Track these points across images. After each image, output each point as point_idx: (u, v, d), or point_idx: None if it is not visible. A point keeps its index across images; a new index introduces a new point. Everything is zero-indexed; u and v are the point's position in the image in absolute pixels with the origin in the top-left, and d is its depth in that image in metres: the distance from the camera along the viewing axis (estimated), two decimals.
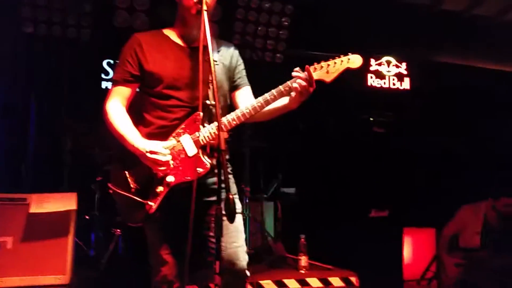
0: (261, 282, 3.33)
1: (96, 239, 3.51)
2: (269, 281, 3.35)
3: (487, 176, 4.38)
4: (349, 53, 2.07)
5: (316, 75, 2.01)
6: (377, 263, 4.03)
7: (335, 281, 3.53)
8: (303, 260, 3.64)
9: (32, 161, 4.04)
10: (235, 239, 2.03)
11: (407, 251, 4.80)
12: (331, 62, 2.05)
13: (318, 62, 2.04)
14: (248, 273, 2.07)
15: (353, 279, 3.57)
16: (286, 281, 3.40)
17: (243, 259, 2.03)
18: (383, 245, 4.13)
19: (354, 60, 2.06)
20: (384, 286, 4.09)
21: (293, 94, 2.00)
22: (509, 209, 4.23)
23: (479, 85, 5.94)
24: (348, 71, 2.07)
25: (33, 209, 2.93)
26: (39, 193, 3.03)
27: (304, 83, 1.96)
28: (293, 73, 2.00)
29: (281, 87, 2.02)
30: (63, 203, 3.01)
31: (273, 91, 2.02)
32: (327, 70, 2.03)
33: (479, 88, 5.91)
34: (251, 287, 3.26)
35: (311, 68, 2.02)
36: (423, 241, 5.10)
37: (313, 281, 3.48)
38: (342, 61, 2.04)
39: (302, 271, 3.60)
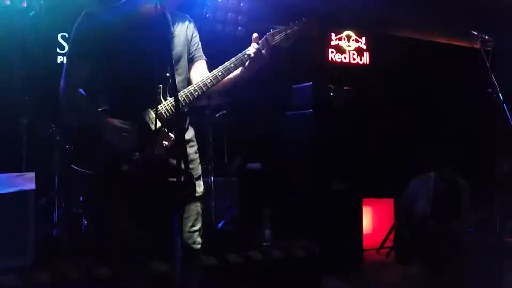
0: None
1: (58, 218, 3.44)
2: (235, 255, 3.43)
3: (436, 149, 4.60)
4: (303, 18, 2.13)
5: (274, 42, 2.07)
6: (338, 233, 4.19)
7: (298, 251, 3.66)
8: (267, 233, 3.74)
9: None
10: (194, 223, 2.09)
11: (366, 221, 5.00)
12: (288, 28, 2.10)
13: (275, 27, 2.09)
14: (203, 258, 2.18)
15: (315, 248, 3.70)
16: (250, 253, 3.49)
17: (198, 243, 2.11)
18: (343, 216, 4.28)
19: (310, 25, 2.13)
20: (345, 255, 4.27)
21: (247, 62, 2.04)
22: (451, 176, 4.48)
23: (432, 60, 6.15)
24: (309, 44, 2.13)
25: None
26: None
27: (260, 49, 2.01)
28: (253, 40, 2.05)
29: (240, 55, 2.05)
30: (21, 183, 2.93)
31: (233, 59, 2.05)
32: (286, 35, 2.09)
33: (434, 62, 6.12)
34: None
35: (269, 35, 2.07)
36: (381, 211, 5.34)
37: (276, 252, 3.59)
38: (298, 26, 2.11)
39: (267, 243, 3.70)
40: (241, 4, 5.28)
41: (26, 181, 2.93)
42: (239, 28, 5.45)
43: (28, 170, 3.24)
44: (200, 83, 2.02)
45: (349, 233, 4.35)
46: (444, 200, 4.43)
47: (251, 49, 2.02)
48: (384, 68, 5.90)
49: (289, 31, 2.09)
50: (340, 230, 4.23)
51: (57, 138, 3.54)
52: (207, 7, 4.95)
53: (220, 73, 2.03)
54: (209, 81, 2.02)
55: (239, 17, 5.36)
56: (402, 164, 5.50)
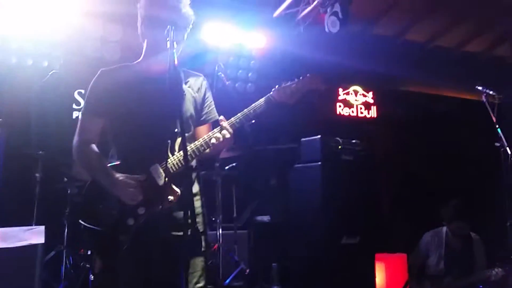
0: None
1: (66, 272, 3.42)
2: None
3: (448, 202, 4.52)
4: (308, 74, 2.17)
5: (280, 98, 2.11)
6: None
7: None
8: None
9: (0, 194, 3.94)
10: (199, 279, 2.06)
11: (379, 277, 4.83)
12: (292, 84, 2.14)
13: (282, 84, 2.14)
14: None
15: None
16: None
17: None
18: (355, 272, 4.16)
19: (314, 81, 2.16)
20: None
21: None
22: (464, 231, 4.36)
23: (441, 112, 6.20)
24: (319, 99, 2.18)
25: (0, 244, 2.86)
26: (7, 226, 2.96)
27: (220, 141, 2.03)
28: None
29: (239, 115, 2.09)
30: (30, 236, 2.94)
31: (233, 119, 2.09)
32: (290, 91, 2.13)
33: (441, 115, 6.17)
34: None
35: (275, 92, 2.12)
36: (395, 266, 5.16)
37: None
38: (302, 82, 2.14)
39: None
40: (252, 62, 5.49)
41: (36, 235, 2.94)
42: (249, 84, 5.64)
43: (39, 223, 3.28)
44: (206, 138, 2.06)
45: None
46: (457, 255, 4.29)
47: (214, 138, 2.03)
48: (392, 121, 5.98)
49: (293, 86, 2.13)
50: (353, 286, 4.09)
51: (69, 191, 3.59)
52: (219, 65, 5.14)
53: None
54: (204, 143, 2.04)
55: (249, 74, 5.55)
56: (414, 217, 5.40)
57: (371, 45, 5.79)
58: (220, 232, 3.94)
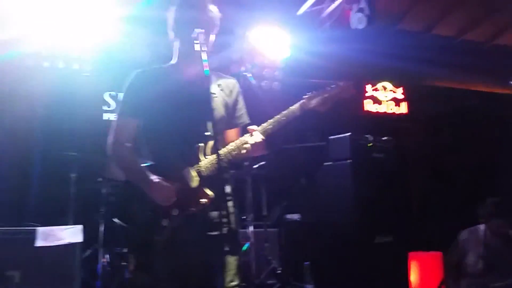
0: None
1: (102, 270, 3.51)
2: None
3: (486, 199, 4.39)
4: (341, 82, 2.15)
5: (311, 105, 2.11)
6: None
7: None
8: None
9: (37, 194, 4.08)
10: (233, 278, 2.07)
11: (413, 276, 4.75)
12: (325, 92, 2.12)
13: (312, 91, 2.12)
14: None
15: None
16: None
17: None
18: (388, 271, 4.10)
19: (346, 89, 2.14)
20: None
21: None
22: (503, 230, 4.22)
23: (473, 107, 6.05)
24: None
25: (40, 243, 2.95)
26: (45, 226, 3.06)
27: (252, 147, 2.04)
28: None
29: (278, 117, 2.09)
30: (68, 235, 3.03)
31: (271, 121, 2.09)
32: (322, 100, 2.11)
33: (473, 110, 6.02)
34: None
35: (306, 99, 2.11)
36: (429, 265, 5.07)
37: None
38: (335, 90, 2.12)
39: None
40: (278, 61, 5.49)
41: (74, 234, 3.03)
42: (275, 82, 5.64)
43: (75, 222, 3.37)
44: (239, 143, 2.07)
45: None
46: (496, 255, 4.16)
47: (244, 148, 2.04)
48: (423, 117, 5.86)
49: (326, 95, 2.11)
50: (386, 285, 4.03)
51: (104, 191, 3.68)
52: (245, 64, 5.17)
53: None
54: (236, 148, 2.06)
55: (275, 73, 5.55)
56: (448, 215, 5.28)
57: (398, 41, 5.70)
58: (251, 230, 3.96)
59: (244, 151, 2.05)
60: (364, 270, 3.97)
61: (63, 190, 3.84)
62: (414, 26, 5.81)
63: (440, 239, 4.87)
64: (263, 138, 2.06)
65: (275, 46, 5.40)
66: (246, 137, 2.08)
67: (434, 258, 5.10)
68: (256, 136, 2.06)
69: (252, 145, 2.04)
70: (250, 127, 2.09)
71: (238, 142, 2.08)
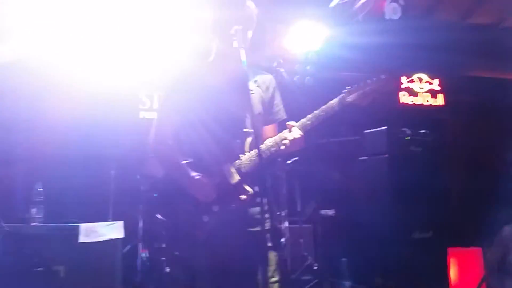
0: None
1: (141, 265, 3.59)
2: None
3: None
4: (381, 75, 2.11)
5: (350, 99, 2.07)
6: (423, 286, 3.91)
7: None
8: (347, 284, 3.60)
9: (78, 191, 4.21)
10: (274, 274, 2.07)
11: (453, 273, 4.64)
12: (366, 85, 2.08)
13: (354, 85, 2.08)
14: None
15: None
16: None
17: None
18: (427, 268, 4.01)
19: (387, 82, 2.09)
20: None
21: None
22: None
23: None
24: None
25: (83, 239, 3.05)
26: (86, 222, 3.15)
27: (291, 142, 2.02)
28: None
29: (317, 112, 2.07)
30: (110, 231, 3.11)
31: (310, 116, 2.07)
32: (363, 94, 2.07)
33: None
34: None
35: (346, 93, 2.08)
36: (469, 262, 4.93)
37: None
38: (375, 84, 2.08)
39: None
40: (309, 55, 5.43)
41: (115, 230, 3.11)
42: (307, 77, 5.58)
43: (115, 218, 3.46)
44: (278, 139, 2.07)
45: (435, 286, 4.04)
46: None
47: (283, 144, 2.03)
48: (461, 109, 5.69)
49: (366, 89, 2.07)
50: (425, 282, 3.95)
51: (142, 187, 3.76)
52: (278, 60, 5.14)
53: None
54: (274, 144, 2.05)
55: (307, 67, 5.50)
56: (489, 210, 5.11)
57: (434, 30, 5.53)
58: (286, 226, 3.96)
59: (283, 147, 2.04)
60: (402, 266, 3.91)
61: (103, 187, 3.95)
62: (449, 15, 5.62)
63: (481, 235, 4.72)
64: (302, 134, 2.05)
65: (306, 40, 5.36)
66: (285, 133, 2.07)
67: (474, 254, 4.96)
68: (295, 131, 2.05)
69: (291, 141, 2.03)
70: (289, 123, 2.08)
71: (277, 138, 2.07)
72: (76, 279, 2.98)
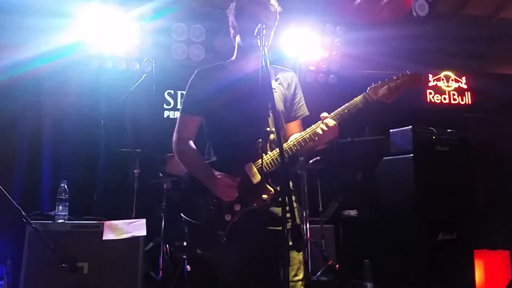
0: None
1: (163, 263, 3.62)
2: None
3: None
4: (408, 71, 2.04)
5: (376, 96, 2.01)
6: None
7: None
8: (369, 286, 3.55)
9: (103, 189, 4.28)
10: (297, 272, 2.05)
11: (479, 276, 4.51)
12: (391, 81, 2.02)
13: (379, 82, 2.02)
14: None
15: None
16: None
17: None
18: (453, 270, 3.92)
19: (415, 78, 2.03)
20: None
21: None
22: None
23: None
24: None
25: (106, 236, 3.09)
26: (111, 219, 3.19)
27: (326, 130, 1.97)
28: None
29: (339, 110, 2.03)
30: (133, 229, 3.14)
31: (332, 114, 2.03)
32: (389, 90, 2.01)
33: None
34: None
35: (371, 90, 2.03)
36: (496, 264, 4.79)
37: None
38: (402, 79, 2.02)
39: None
40: (334, 53, 5.37)
41: (138, 227, 3.14)
42: (331, 75, 5.52)
43: (138, 216, 3.49)
44: (299, 138, 2.04)
45: None
46: None
47: (319, 129, 1.99)
48: (489, 107, 5.52)
49: (392, 85, 2.01)
50: (450, 284, 3.86)
51: (165, 186, 3.79)
52: (300, 58, 5.10)
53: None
54: (307, 136, 2.03)
55: (331, 65, 5.44)
56: None
57: (462, 27, 5.39)
58: (307, 226, 3.92)
59: (318, 136, 1.98)
60: (427, 268, 3.82)
61: (126, 185, 4.00)
62: (478, 11, 5.46)
63: (509, 237, 4.59)
64: (336, 123, 1.99)
65: (330, 37, 5.30)
66: (319, 124, 2.02)
67: (502, 257, 4.82)
68: (329, 121, 2.00)
69: (328, 128, 1.97)
70: (322, 114, 2.02)
71: (308, 130, 2.03)
72: (99, 275, 3.03)
